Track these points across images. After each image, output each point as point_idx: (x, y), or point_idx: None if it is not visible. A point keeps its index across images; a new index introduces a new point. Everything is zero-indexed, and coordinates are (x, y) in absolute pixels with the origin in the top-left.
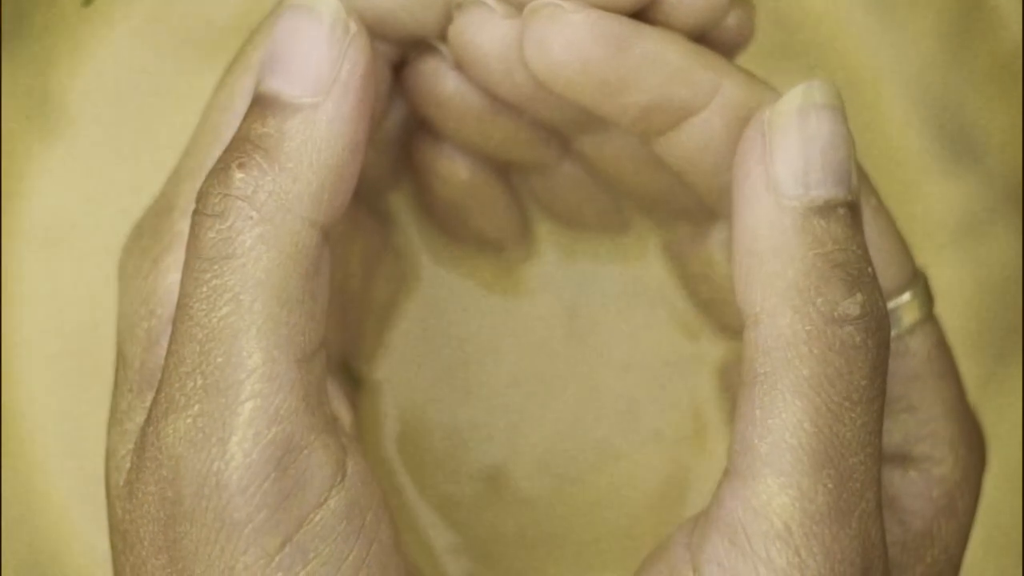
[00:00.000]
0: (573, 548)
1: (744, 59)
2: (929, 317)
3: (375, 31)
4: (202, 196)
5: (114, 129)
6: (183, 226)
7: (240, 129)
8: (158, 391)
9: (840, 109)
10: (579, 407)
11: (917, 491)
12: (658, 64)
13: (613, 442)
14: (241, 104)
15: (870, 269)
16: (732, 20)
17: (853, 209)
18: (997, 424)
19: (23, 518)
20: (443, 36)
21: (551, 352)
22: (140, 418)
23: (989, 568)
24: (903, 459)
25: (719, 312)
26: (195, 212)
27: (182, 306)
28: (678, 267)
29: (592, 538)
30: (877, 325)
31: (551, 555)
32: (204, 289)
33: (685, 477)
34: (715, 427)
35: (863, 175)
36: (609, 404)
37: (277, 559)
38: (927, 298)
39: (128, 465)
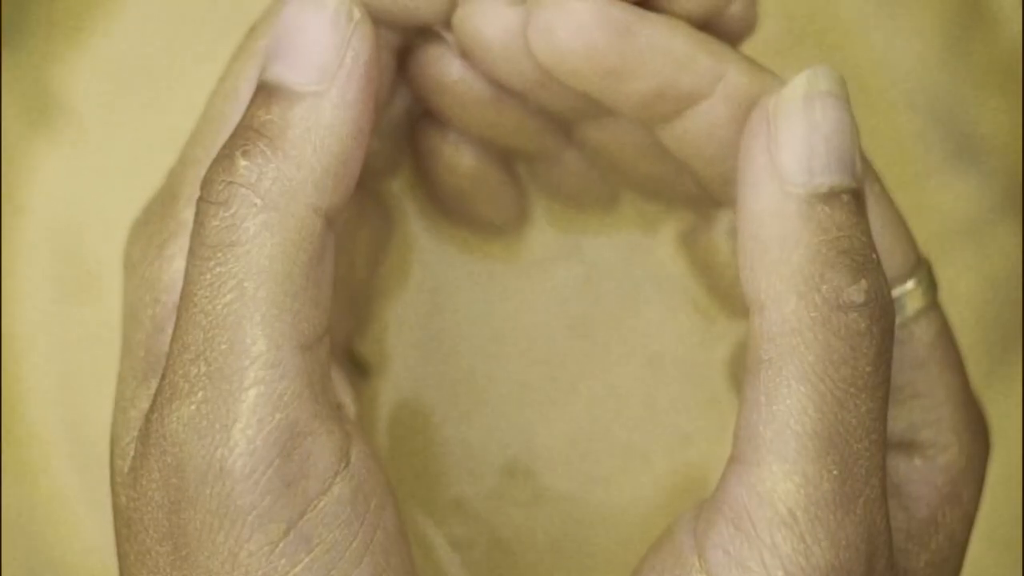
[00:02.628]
0: (590, 548)
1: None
2: (933, 305)
3: (379, 18)
4: (206, 184)
5: (115, 126)
6: (188, 214)
7: (244, 117)
8: (162, 378)
9: (844, 96)
10: (598, 405)
11: (922, 478)
12: (662, 51)
13: (638, 444)
14: (245, 92)
15: (874, 256)
16: (736, 9)
17: (857, 196)
18: (998, 422)
19: (23, 517)
20: (448, 23)
21: (561, 343)
22: (144, 405)
23: (989, 564)
24: (908, 446)
25: (725, 300)
26: (199, 200)
27: (186, 293)
28: (685, 254)
29: (610, 540)
30: (882, 312)
31: (567, 554)
32: (208, 276)
33: (705, 474)
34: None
35: (867, 163)
36: (630, 402)
37: (281, 546)
38: (931, 286)
39: (132, 452)
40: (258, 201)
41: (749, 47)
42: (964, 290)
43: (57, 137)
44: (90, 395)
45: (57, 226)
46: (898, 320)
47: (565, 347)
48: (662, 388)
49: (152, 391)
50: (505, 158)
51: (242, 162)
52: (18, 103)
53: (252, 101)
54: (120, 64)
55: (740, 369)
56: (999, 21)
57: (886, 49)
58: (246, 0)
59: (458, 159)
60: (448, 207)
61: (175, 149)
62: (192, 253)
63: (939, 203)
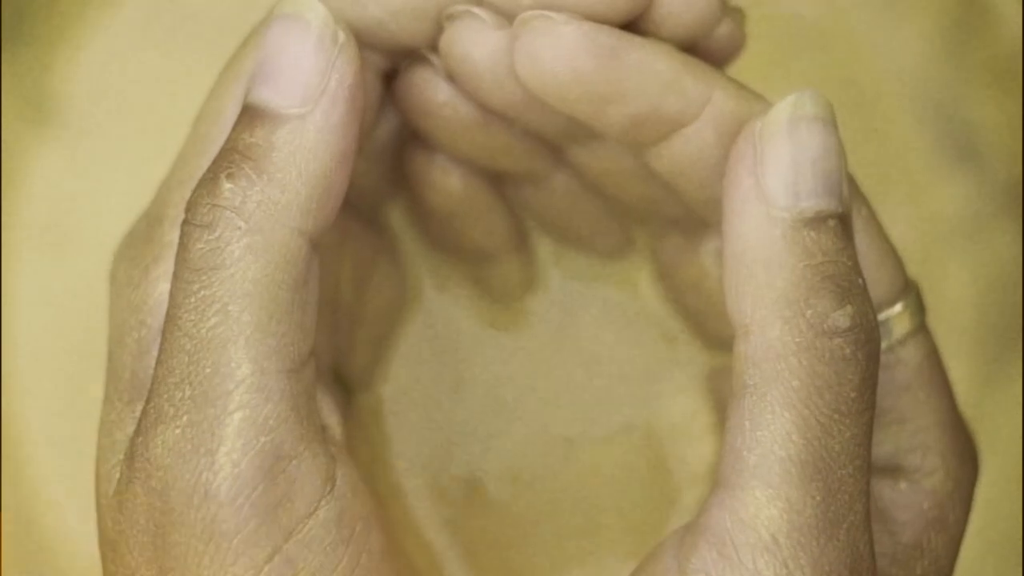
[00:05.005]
0: (541, 548)
1: (744, 59)
2: (921, 328)
3: (365, 41)
4: (191, 206)
5: (113, 129)
6: (173, 236)
7: (229, 139)
8: (147, 401)
9: (831, 120)
10: (553, 410)
11: (907, 503)
12: (649, 75)
13: (578, 441)
14: (230, 114)
15: (860, 281)
16: (723, 30)
17: (844, 220)
18: (997, 424)
19: (22, 521)
20: (434, 46)
21: (539, 360)
22: (130, 428)
23: (988, 568)
24: (894, 470)
25: (709, 323)
26: (184, 222)
27: (171, 316)
28: (668, 278)
29: (557, 538)
30: (867, 337)
31: (523, 555)
32: (193, 300)
33: (658, 482)
34: (693, 436)
35: (854, 186)
36: (596, 417)
37: (266, 570)
38: (919, 309)
39: (118, 475)
40: (242, 224)
41: (750, 47)
42: (963, 291)
43: (56, 137)
44: (88, 399)
45: (56, 226)
46: (885, 344)
47: (544, 364)
48: (626, 404)
49: (137, 414)
50: (493, 181)
51: (227, 185)
52: (18, 103)
53: (237, 123)
54: (119, 65)
55: (710, 390)
56: (999, 21)
57: (886, 49)
58: (245, 6)
59: (446, 182)
60: (436, 229)
61: (172, 151)
62: (177, 276)
63: (939, 203)
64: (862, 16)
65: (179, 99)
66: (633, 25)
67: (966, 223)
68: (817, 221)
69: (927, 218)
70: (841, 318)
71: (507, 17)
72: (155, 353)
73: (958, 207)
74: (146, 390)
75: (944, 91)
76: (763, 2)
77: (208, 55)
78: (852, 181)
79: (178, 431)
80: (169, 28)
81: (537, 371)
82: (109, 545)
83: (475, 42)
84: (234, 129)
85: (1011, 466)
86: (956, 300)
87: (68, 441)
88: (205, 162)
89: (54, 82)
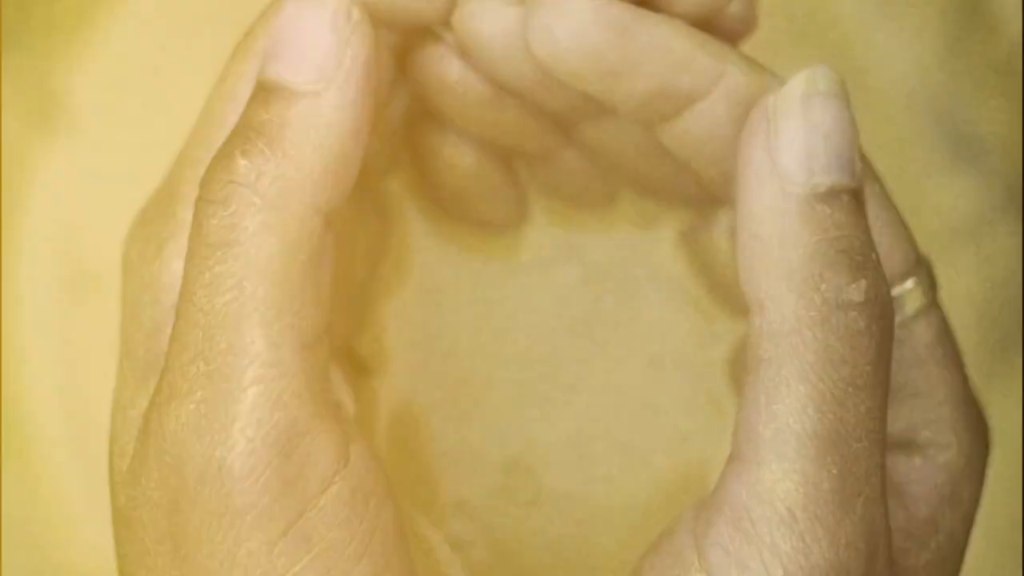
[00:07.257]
0: (590, 548)
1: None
2: (933, 304)
3: (378, 18)
4: (206, 183)
5: (115, 126)
6: (187, 213)
7: (243, 116)
8: (161, 378)
9: (843, 96)
10: (597, 404)
11: (921, 477)
12: (662, 51)
13: (638, 444)
14: (244, 91)
15: (874, 255)
16: (735, 8)
17: (857, 195)
18: (998, 422)
19: (24, 518)
20: (447, 23)
21: (561, 342)
22: (143, 405)
23: (989, 565)
24: (907, 445)
25: (728, 297)
26: (199, 199)
27: (185, 293)
28: (685, 254)
29: (610, 540)
30: (881, 311)
31: (567, 554)
32: (207, 276)
33: (705, 474)
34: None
35: (867, 163)
36: (630, 402)
37: (280, 545)
38: (931, 285)
39: (131, 452)
40: (257, 200)
41: (749, 47)
42: (964, 290)
43: (57, 137)
44: (90, 395)
45: (57, 226)
46: (898, 319)
47: (564, 347)
48: (661, 387)
49: (151, 391)
50: (505, 158)
51: (241, 161)
52: (18, 103)
53: (251, 100)
54: (120, 64)
55: (739, 369)
56: (999, 21)
57: (886, 49)
58: (246, 4)
59: (458, 159)
60: (447, 207)
61: (175, 149)
62: (191, 252)
63: (939, 203)
64: (862, 16)
65: (181, 98)
66: (646, 1)
67: (967, 222)
68: (831, 196)
69: (927, 218)
70: (855, 292)
71: None
72: (168, 330)
73: (959, 207)
74: (159, 367)
75: (944, 91)
76: (762, 3)
77: (210, 54)
78: (864, 158)
79: (192, 407)
80: (171, 27)
81: (562, 357)
82: (123, 522)
83: (488, 18)
84: (248, 106)
85: (1012, 465)
86: (957, 299)
87: (71, 441)
88: (219, 140)
89: (56, 82)
